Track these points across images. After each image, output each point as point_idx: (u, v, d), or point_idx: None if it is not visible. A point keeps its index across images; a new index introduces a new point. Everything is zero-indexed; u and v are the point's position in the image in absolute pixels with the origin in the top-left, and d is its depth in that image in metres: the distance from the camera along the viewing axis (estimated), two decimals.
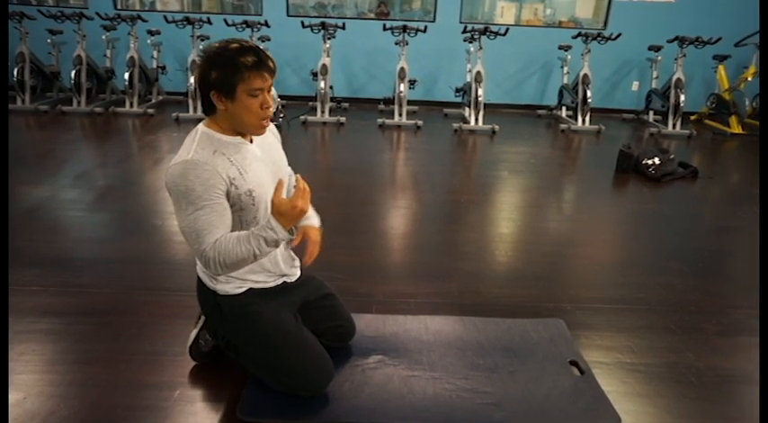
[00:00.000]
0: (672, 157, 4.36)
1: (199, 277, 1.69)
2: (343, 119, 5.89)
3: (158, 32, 6.29)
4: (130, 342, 1.98)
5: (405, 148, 5.18)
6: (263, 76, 1.42)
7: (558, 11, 6.70)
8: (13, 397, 1.67)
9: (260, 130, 1.51)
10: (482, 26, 5.87)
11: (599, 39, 5.99)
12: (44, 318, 2.11)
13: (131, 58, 5.92)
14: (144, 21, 6.08)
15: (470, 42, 6.14)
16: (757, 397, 1.81)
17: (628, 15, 6.57)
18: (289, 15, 6.65)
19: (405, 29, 5.85)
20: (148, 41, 6.34)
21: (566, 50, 6.42)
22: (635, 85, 6.99)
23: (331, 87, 6.20)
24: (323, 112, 5.91)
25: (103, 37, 6.14)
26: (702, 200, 3.99)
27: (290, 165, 1.78)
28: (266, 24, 6.12)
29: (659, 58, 6.33)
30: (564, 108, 6.55)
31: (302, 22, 5.83)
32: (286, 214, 1.40)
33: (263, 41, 6.04)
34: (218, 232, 1.43)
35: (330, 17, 6.60)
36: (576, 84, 6.10)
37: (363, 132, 5.63)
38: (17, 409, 1.63)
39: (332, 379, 1.72)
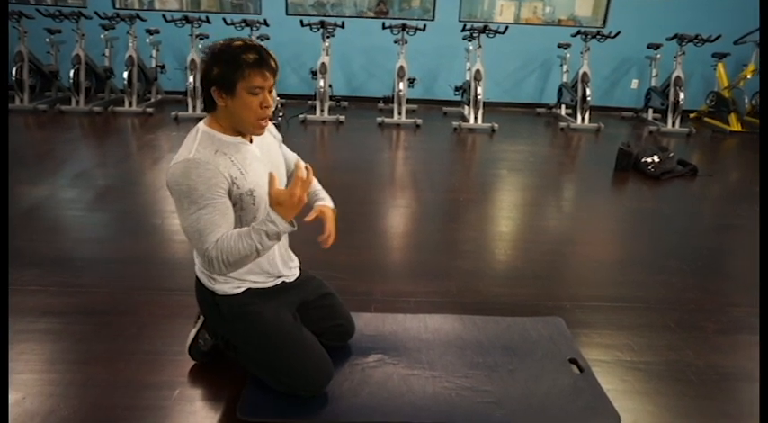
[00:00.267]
0: (671, 155, 4.36)
1: (197, 277, 1.69)
2: (342, 118, 5.88)
3: (157, 31, 6.28)
4: (130, 342, 1.98)
5: (404, 146, 5.17)
6: (263, 75, 1.42)
7: (558, 9, 6.70)
8: (12, 396, 1.67)
9: (258, 129, 1.51)
10: (481, 24, 5.87)
11: (598, 37, 5.98)
12: (44, 317, 2.11)
13: (130, 57, 5.91)
14: (143, 20, 6.07)
15: (470, 41, 6.14)
16: (756, 394, 1.81)
17: (627, 13, 6.57)
18: (288, 14, 6.64)
19: (404, 27, 5.85)
20: (147, 41, 6.33)
21: (565, 49, 6.42)
22: (634, 84, 7.00)
23: (330, 86, 6.20)
24: (322, 110, 5.91)
25: (102, 36, 6.13)
26: (702, 198, 3.99)
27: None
28: (265, 23, 6.11)
29: (658, 56, 6.33)
30: (563, 106, 6.55)
31: (301, 21, 5.83)
32: (285, 204, 1.39)
33: (262, 40, 6.03)
34: (221, 231, 1.43)
35: (329, 16, 6.60)
36: (576, 82, 6.09)
37: (363, 131, 5.63)
38: (17, 408, 1.63)
39: (331, 378, 1.72)
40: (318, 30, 5.85)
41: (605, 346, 2.06)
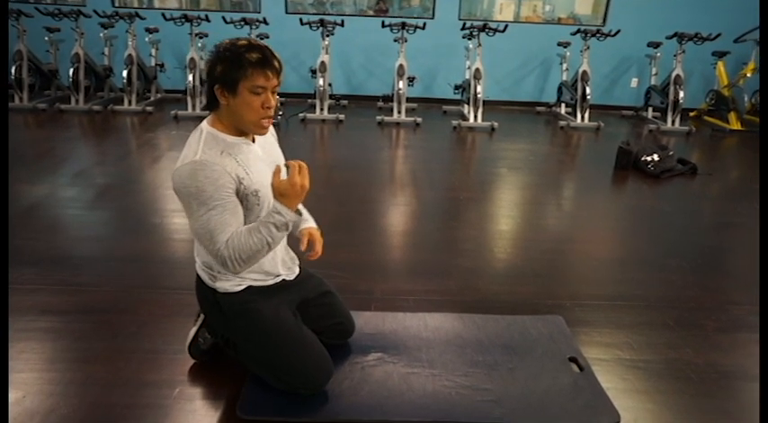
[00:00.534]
0: (671, 153, 4.36)
1: (198, 275, 1.69)
2: (342, 116, 5.88)
3: (156, 30, 6.28)
4: (130, 340, 1.98)
5: (404, 145, 5.17)
6: (266, 75, 1.41)
7: (557, 7, 6.69)
8: (12, 395, 1.67)
9: (260, 129, 1.51)
10: (481, 23, 5.86)
11: (598, 35, 5.98)
12: (43, 316, 2.10)
13: (129, 55, 5.91)
14: (142, 18, 6.06)
15: (469, 39, 6.14)
16: (756, 393, 1.82)
17: (627, 12, 6.56)
18: (287, 13, 6.64)
19: (403, 26, 5.84)
20: (146, 39, 6.33)
21: (565, 47, 6.42)
22: (634, 82, 6.99)
23: (330, 85, 6.19)
24: (322, 109, 5.91)
25: (101, 35, 6.12)
26: (701, 196, 3.99)
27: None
28: (265, 21, 6.11)
29: (658, 54, 6.33)
30: (563, 105, 6.55)
31: (301, 20, 5.82)
32: (287, 194, 1.42)
33: (261, 39, 6.01)
34: (231, 230, 1.43)
35: (329, 14, 6.59)
36: (575, 80, 6.09)
37: (362, 130, 5.62)
38: (17, 407, 1.63)
39: (331, 377, 1.72)
40: (318, 28, 5.85)
41: (605, 344, 2.06)
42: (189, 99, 5.85)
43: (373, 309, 2.22)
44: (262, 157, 1.58)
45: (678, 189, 4.06)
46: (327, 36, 5.94)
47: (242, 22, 5.96)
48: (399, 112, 5.91)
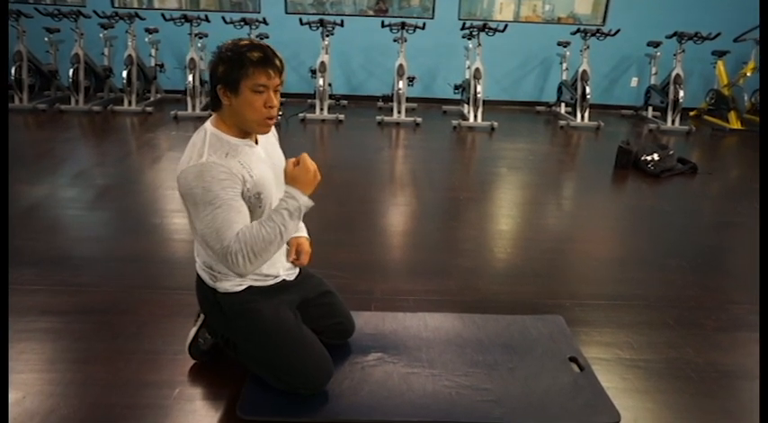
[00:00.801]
0: (671, 152, 4.36)
1: (198, 275, 1.69)
2: (341, 116, 5.88)
3: (156, 30, 6.28)
4: (130, 341, 1.98)
5: (403, 145, 5.17)
6: (267, 73, 1.42)
7: (557, 7, 6.69)
8: (12, 396, 1.67)
9: (263, 128, 1.51)
10: (481, 23, 5.86)
11: (598, 35, 5.98)
12: (43, 317, 2.11)
13: (129, 56, 5.91)
14: (142, 19, 6.06)
15: (469, 39, 6.14)
16: (756, 392, 1.82)
17: (626, 11, 6.56)
18: (287, 13, 6.64)
19: (403, 26, 5.84)
20: (146, 40, 6.33)
21: (564, 47, 6.42)
22: (634, 81, 6.99)
23: (330, 85, 6.19)
24: (322, 109, 5.91)
25: (101, 35, 6.13)
26: (701, 196, 3.99)
27: None
28: (264, 22, 6.11)
29: (658, 53, 6.33)
30: (563, 104, 6.55)
31: (300, 20, 5.82)
32: (300, 179, 1.45)
33: (261, 39, 6.01)
34: (238, 226, 1.42)
35: (328, 14, 6.59)
36: (575, 80, 6.09)
37: (362, 130, 5.62)
38: (17, 408, 1.63)
39: (331, 377, 1.72)
40: (318, 28, 5.85)
41: (605, 344, 2.06)
42: (189, 99, 5.85)
43: (373, 309, 2.22)
44: (264, 160, 1.58)
45: (678, 188, 4.06)
46: (327, 36, 5.94)
47: (242, 23, 5.96)
48: (399, 112, 5.91)
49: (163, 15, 5.87)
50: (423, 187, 3.90)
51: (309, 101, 6.37)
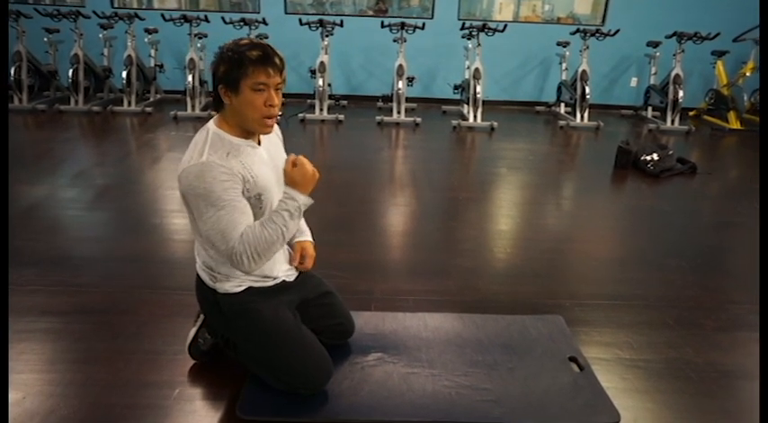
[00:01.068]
0: (670, 152, 4.36)
1: (198, 275, 1.69)
2: (341, 116, 5.88)
3: (156, 31, 6.28)
4: (130, 341, 1.98)
5: (403, 145, 5.17)
6: (266, 72, 1.42)
7: (557, 7, 6.69)
8: (12, 396, 1.67)
9: (264, 128, 1.50)
10: (480, 23, 5.86)
11: (597, 35, 5.98)
12: (43, 317, 2.11)
13: (129, 56, 5.90)
14: (141, 19, 6.06)
15: (468, 39, 6.14)
16: (756, 392, 1.82)
17: (626, 11, 6.56)
18: (287, 13, 6.64)
19: (403, 26, 5.84)
20: (146, 40, 6.33)
21: (564, 47, 6.42)
22: (633, 81, 6.99)
23: (329, 85, 6.19)
24: (321, 109, 5.91)
25: (101, 35, 6.12)
26: (701, 195, 4.00)
27: None
28: (264, 22, 6.11)
29: (658, 53, 6.33)
30: (562, 104, 6.55)
31: (300, 20, 5.82)
32: (300, 181, 1.48)
33: (261, 39, 6.01)
34: (242, 228, 1.45)
35: (328, 14, 6.59)
36: (575, 80, 6.09)
37: (362, 130, 5.62)
38: (17, 408, 1.63)
39: (331, 377, 1.72)
40: (317, 28, 5.85)
41: (605, 344, 2.06)
42: (188, 100, 5.85)
43: (373, 309, 2.23)
44: (266, 161, 1.58)
45: (677, 188, 4.06)
46: (327, 36, 5.94)
47: (241, 23, 5.96)
48: (399, 112, 5.91)
49: (162, 16, 5.87)
50: (422, 187, 3.90)
51: (309, 101, 6.38)
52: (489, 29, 5.76)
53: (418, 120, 5.84)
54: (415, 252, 2.89)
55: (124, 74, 5.91)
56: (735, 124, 6.05)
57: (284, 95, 1.52)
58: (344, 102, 6.68)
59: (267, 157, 1.60)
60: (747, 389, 1.85)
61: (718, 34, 5.82)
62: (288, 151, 1.76)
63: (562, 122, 6.06)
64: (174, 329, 2.01)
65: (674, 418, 1.70)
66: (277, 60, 1.44)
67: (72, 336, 2.00)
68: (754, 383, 1.86)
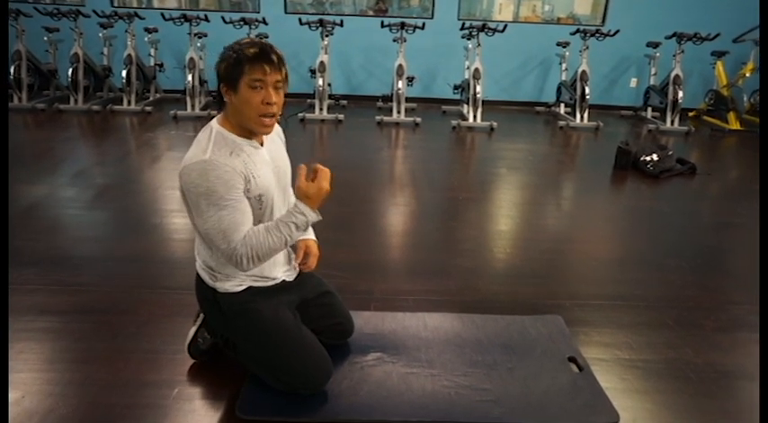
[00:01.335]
0: (670, 153, 4.37)
1: (198, 275, 1.69)
2: (341, 116, 5.88)
3: (155, 30, 6.27)
4: (129, 340, 1.98)
5: (403, 145, 5.17)
6: (263, 69, 1.41)
7: (557, 7, 6.69)
8: (11, 395, 1.67)
9: (261, 127, 1.49)
10: (480, 23, 5.86)
11: (597, 35, 5.98)
12: (42, 316, 2.10)
13: (128, 55, 5.90)
14: (141, 18, 6.06)
15: (468, 39, 6.14)
16: (755, 392, 1.82)
17: (626, 11, 6.57)
18: (286, 12, 6.64)
19: (403, 26, 5.84)
20: (146, 39, 6.32)
21: (564, 47, 6.42)
22: (633, 82, 7.00)
23: (329, 85, 6.19)
24: (321, 109, 5.91)
25: (100, 35, 6.12)
26: (700, 196, 4.00)
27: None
28: (264, 21, 6.11)
29: (657, 54, 6.34)
30: (562, 105, 6.55)
31: (300, 20, 5.82)
32: (313, 197, 1.50)
33: (260, 38, 6.01)
34: (244, 229, 1.46)
35: (328, 14, 6.59)
36: (575, 80, 6.09)
37: (362, 130, 5.62)
38: (16, 407, 1.62)
39: (331, 377, 1.72)
40: (317, 28, 5.85)
41: (604, 344, 2.06)
42: (188, 99, 5.84)
43: (373, 309, 2.22)
44: (268, 162, 1.58)
45: (677, 189, 4.06)
46: (327, 36, 5.94)
47: (241, 22, 5.96)
48: (399, 112, 5.91)
49: (162, 15, 5.86)
50: (422, 187, 3.90)
51: (309, 101, 6.37)
52: (489, 29, 5.76)
53: (418, 120, 5.84)
54: (415, 252, 2.89)
55: (124, 73, 5.90)
56: (734, 125, 6.05)
57: (284, 95, 1.51)
58: (344, 101, 6.68)
59: (269, 158, 1.59)
60: (747, 389, 1.85)
61: (717, 35, 5.82)
62: (288, 151, 1.77)
63: (562, 123, 6.06)
64: (174, 329, 2.01)
65: (673, 419, 1.70)
66: (274, 57, 1.43)
67: (71, 335, 2.00)
68: (753, 384, 1.86)
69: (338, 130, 5.63)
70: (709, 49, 6.15)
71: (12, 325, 2.00)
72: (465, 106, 6.15)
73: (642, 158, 4.31)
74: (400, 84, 5.85)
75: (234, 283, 1.63)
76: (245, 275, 1.63)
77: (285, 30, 6.34)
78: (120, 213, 3.24)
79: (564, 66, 6.52)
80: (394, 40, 5.99)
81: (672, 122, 5.98)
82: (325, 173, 1.51)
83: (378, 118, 5.88)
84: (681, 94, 5.89)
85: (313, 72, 6.02)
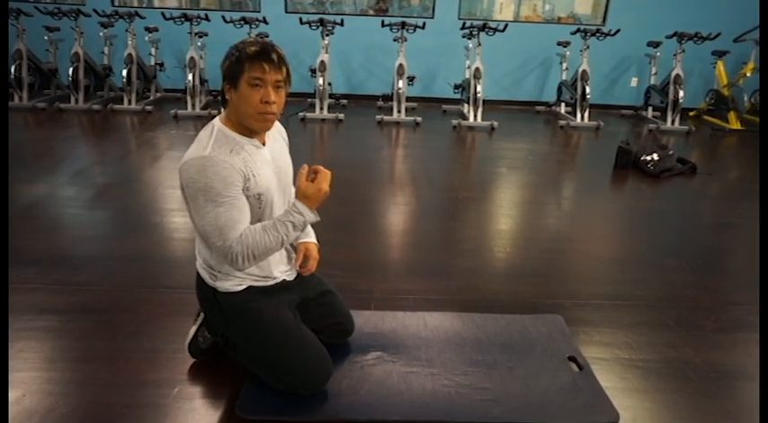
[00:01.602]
0: (671, 153, 4.36)
1: (198, 274, 1.69)
2: (341, 116, 5.88)
3: (156, 29, 6.27)
4: (129, 339, 1.98)
5: (403, 144, 5.17)
6: (262, 67, 1.41)
7: (557, 7, 6.69)
8: (11, 394, 1.67)
9: (259, 124, 1.49)
10: (481, 22, 5.86)
11: (598, 35, 5.98)
12: (42, 315, 2.11)
13: (129, 55, 5.90)
14: (141, 17, 6.06)
15: (469, 38, 6.14)
16: (755, 392, 1.82)
17: (626, 11, 6.56)
18: (287, 12, 6.64)
19: (403, 25, 5.84)
20: (146, 38, 6.32)
21: (564, 46, 6.42)
22: (634, 81, 6.99)
23: (329, 84, 6.19)
24: (321, 108, 5.91)
25: (101, 34, 6.12)
26: (701, 196, 4.00)
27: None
28: (264, 21, 6.11)
29: (658, 53, 6.33)
30: (563, 104, 6.55)
31: (300, 19, 5.82)
32: (312, 197, 1.50)
33: (261, 38, 6.01)
34: (241, 227, 1.46)
35: (328, 14, 6.59)
36: (575, 80, 6.09)
37: (362, 129, 5.62)
38: (16, 406, 1.63)
39: (331, 376, 1.72)
40: (318, 27, 5.84)
41: (604, 343, 2.07)
42: (188, 98, 5.84)
43: (373, 308, 2.23)
44: (269, 162, 1.58)
45: (678, 189, 4.06)
46: (327, 35, 5.94)
47: (241, 22, 5.96)
48: (399, 112, 5.91)
49: (163, 14, 5.86)
50: (422, 187, 3.90)
51: (309, 100, 6.37)
52: (490, 28, 5.76)
53: (418, 119, 5.83)
54: (415, 251, 2.89)
55: (124, 72, 5.90)
56: (735, 124, 6.05)
57: (286, 95, 1.51)
58: (345, 101, 6.68)
59: (270, 157, 1.59)
60: (746, 389, 1.85)
61: (718, 34, 5.82)
62: (289, 151, 1.77)
63: (562, 122, 6.06)
64: (174, 328, 2.01)
65: (672, 418, 1.70)
66: (274, 56, 1.43)
67: (71, 334, 2.00)
68: (753, 384, 1.86)
69: (338, 129, 5.63)
70: (710, 49, 6.15)
71: (12, 324, 2.01)
72: (465, 106, 6.15)
73: (643, 158, 4.31)
74: (401, 83, 5.85)
75: (234, 283, 1.63)
76: (245, 275, 1.63)
77: (285, 29, 6.34)
78: (121, 212, 3.24)
79: (564, 65, 6.51)
80: (394, 40, 5.99)
81: (672, 122, 5.98)
82: (325, 174, 1.51)
83: (378, 117, 5.88)
84: (681, 93, 5.89)
85: (313, 71, 6.02)
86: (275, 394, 1.67)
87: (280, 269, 1.73)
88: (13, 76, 5.79)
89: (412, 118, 5.84)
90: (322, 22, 5.82)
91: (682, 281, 2.59)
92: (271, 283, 1.70)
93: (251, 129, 1.52)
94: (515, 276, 2.62)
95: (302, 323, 1.73)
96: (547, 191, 3.96)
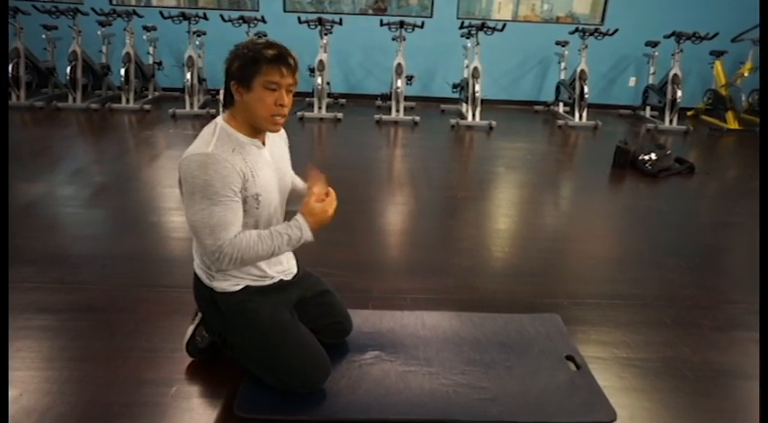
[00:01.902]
0: (668, 152, 4.37)
1: (196, 274, 1.69)
2: (340, 115, 5.88)
3: (154, 28, 6.26)
4: (127, 339, 1.97)
5: (402, 144, 5.17)
6: (280, 71, 1.44)
7: (556, 6, 6.70)
8: (10, 393, 1.66)
9: (272, 125, 1.52)
10: (479, 22, 5.86)
11: (596, 34, 5.98)
12: (40, 314, 2.10)
13: (127, 53, 5.89)
14: (140, 16, 6.05)
15: (467, 38, 6.14)
16: (753, 391, 1.82)
17: (625, 11, 6.57)
18: (285, 11, 6.63)
19: (402, 24, 5.84)
20: (144, 37, 6.31)
21: (563, 46, 6.43)
22: (632, 81, 7.00)
23: (328, 83, 6.19)
24: (320, 108, 5.91)
25: (99, 32, 6.11)
26: (699, 195, 4.00)
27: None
28: (263, 20, 6.10)
29: (656, 53, 6.34)
30: (561, 104, 6.55)
31: (299, 18, 5.82)
32: (316, 217, 1.55)
33: (258, 37, 6.01)
34: (234, 229, 1.47)
35: (327, 13, 6.59)
36: (574, 79, 6.10)
37: (360, 128, 5.62)
38: (14, 405, 1.62)
39: (329, 375, 1.71)
40: (316, 27, 5.84)
41: (602, 342, 2.07)
42: (187, 97, 5.83)
43: (371, 307, 2.23)
44: (269, 163, 1.59)
45: (675, 188, 4.07)
46: (326, 35, 5.93)
47: (240, 21, 5.96)
48: (397, 111, 5.91)
49: (161, 13, 5.85)
50: (421, 186, 3.90)
51: (308, 99, 6.37)
52: (488, 28, 5.76)
53: (417, 118, 5.83)
54: (413, 251, 2.89)
55: (122, 71, 5.89)
56: (733, 124, 6.06)
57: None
58: (343, 100, 6.67)
59: (270, 158, 1.60)
60: (744, 388, 1.85)
61: (716, 34, 5.82)
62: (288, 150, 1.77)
63: (560, 122, 6.06)
64: (172, 327, 2.01)
65: (670, 417, 1.70)
66: (291, 61, 1.46)
67: (69, 333, 2.00)
68: (750, 383, 1.87)
69: (337, 128, 5.63)
70: (708, 49, 6.16)
71: (10, 323, 2.00)
72: (464, 105, 6.15)
73: (640, 157, 4.31)
74: (399, 82, 5.85)
75: (231, 283, 1.63)
76: (243, 274, 1.63)
77: (284, 28, 6.34)
78: (119, 211, 3.23)
79: (563, 65, 6.52)
80: (393, 39, 5.99)
81: (670, 122, 5.98)
82: (333, 200, 1.58)
83: (376, 117, 5.88)
84: (679, 93, 5.90)
85: (312, 71, 6.01)
86: (273, 393, 1.67)
87: (277, 269, 1.73)
88: (11, 75, 5.78)
89: (410, 117, 5.84)
90: (320, 22, 5.81)
91: (679, 280, 2.60)
92: (268, 282, 1.70)
93: (260, 129, 1.54)
94: (513, 275, 2.62)
95: (300, 322, 1.73)
96: (545, 190, 3.97)
